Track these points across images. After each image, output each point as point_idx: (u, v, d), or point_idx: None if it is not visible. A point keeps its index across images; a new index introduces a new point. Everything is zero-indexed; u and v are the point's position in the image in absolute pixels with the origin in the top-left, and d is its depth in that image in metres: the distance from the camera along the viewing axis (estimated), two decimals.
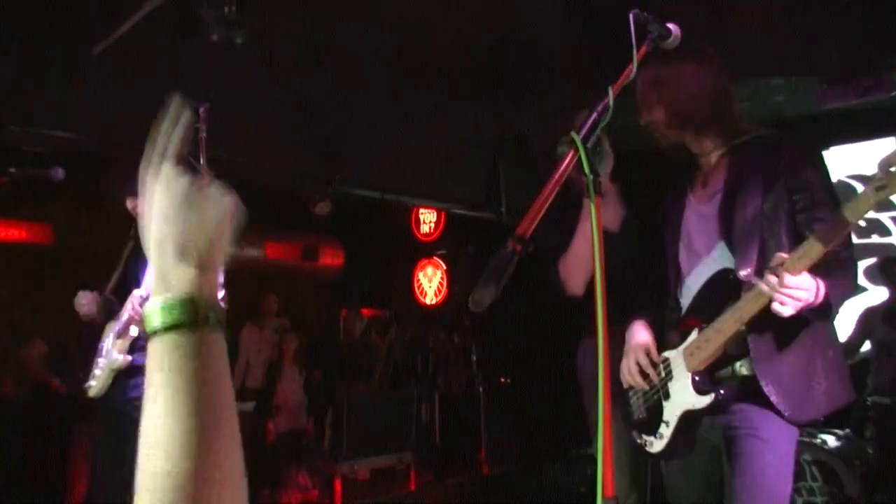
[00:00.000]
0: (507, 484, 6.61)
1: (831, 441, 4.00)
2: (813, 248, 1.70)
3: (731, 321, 1.88)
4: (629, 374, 2.14)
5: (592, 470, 2.54)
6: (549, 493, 5.72)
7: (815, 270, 1.84)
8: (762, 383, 1.88)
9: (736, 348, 1.95)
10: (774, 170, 1.95)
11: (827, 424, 4.17)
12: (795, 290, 1.70)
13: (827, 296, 1.77)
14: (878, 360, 4.54)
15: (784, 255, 1.73)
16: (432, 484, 6.69)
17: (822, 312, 1.81)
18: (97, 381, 3.00)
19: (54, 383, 4.80)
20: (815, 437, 3.98)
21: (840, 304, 1.88)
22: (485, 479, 7.00)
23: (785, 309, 1.74)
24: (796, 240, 1.91)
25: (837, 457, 3.83)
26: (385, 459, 6.20)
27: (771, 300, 1.75)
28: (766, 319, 1.89)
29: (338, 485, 5.82)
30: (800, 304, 1.73)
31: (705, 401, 1.94)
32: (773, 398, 1.87)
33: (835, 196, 1.93)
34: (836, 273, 1.84)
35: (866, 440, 4.26)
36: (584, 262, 2.38)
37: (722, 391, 1.93)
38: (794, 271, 1.70)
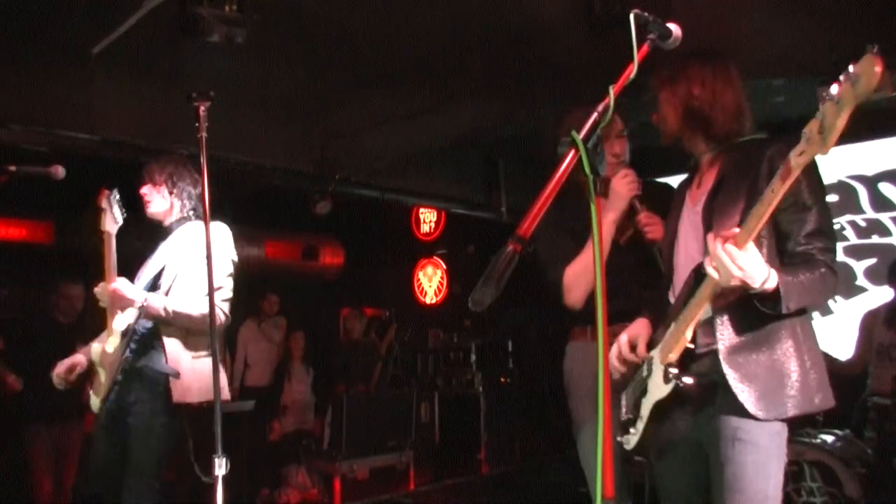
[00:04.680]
0: (507, 484, 6.61)
1: (831, 442, 4.01)
2: (755, 214, 1.71)
3: (692, 308, 1.90)
4: (612, 361, 2.18)
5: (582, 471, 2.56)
6: (548, 493, 5.72)
7: (779, 265, 1.85)
8: (728, 375, 1.88)
9: (704, 340, 1.95)
10: (759, 170, 1.95)
11: (827, 425, 4.17)
12: (729, 257, 1.71)
13: (778, 287, 1.77)
14: (878, 362, 4.54)
15: (736, 230, 1.75)
16: (431, 484, 6.69)
17: (771, 303, 1.80)
18: (92, 396, 3.03)
19: (10, 379, 4.75)
20: (815, 438, 3.98)
21: (801, 303, 1.86)
22: (484, 479, 6.99)
23: (714, 272, 1.75)
24: (777, 240, 1.92)
25: (837, 457, 3.83)
26: (384, 459, 6.20)
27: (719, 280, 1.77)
28: (733, 312, 1.91)
29: (337, 484, 5.82)
30: (732, 273, 1.72)
31: (668, 389, 1.96)
32: (736, 391, 1.87)
33: (820, 196, 1.92)
34: (800, 270, 1.84)
35: (866, 441, 4.26)
36: (591, 275, 2.37)
37: (684, 380, 1.94)
38: (741, 244, 1.71)
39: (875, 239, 5.42)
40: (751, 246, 1.72)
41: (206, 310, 2.94)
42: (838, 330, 5.09)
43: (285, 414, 6.83)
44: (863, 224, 5.45)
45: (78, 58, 4.22)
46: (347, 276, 9.24)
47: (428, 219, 8.99)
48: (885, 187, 5.39)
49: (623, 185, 2.39)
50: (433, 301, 9.01)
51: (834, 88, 1.48)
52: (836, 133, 1.50)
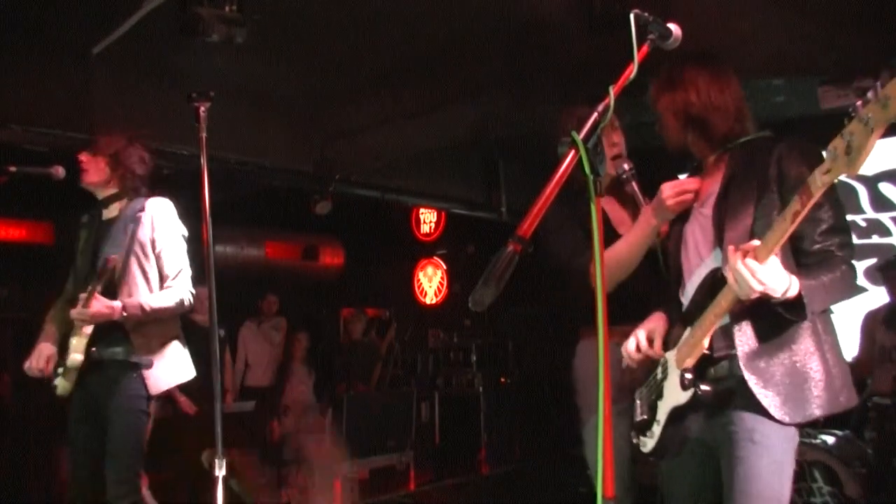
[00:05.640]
0: (507, 484, 6.61)
1: (831, 442, 4.00)
2: (777, 229, 1.69)
3: (710, 316, 1.88)
4: (625, 353, 2.16)
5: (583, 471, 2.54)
6: (548, 493, 5.72)
7: (797, 267, 1.84)
8: (749, 381, 1.87)
9: (722, 345, 1.94)
10: (767, 170, 1.95)
11: (827, 425, 4.17)
12: (750, 272, 1.68)
13: (800, 293, 1.75)
14: (879, 363, 4.54)
15: (756, 243, 1.73)
16: (432, 484, 6.69)
17: (795, 310, 1.78)
18: (60, 381, 3.01)
19: (182, 401, 4.81)
20: (816, 438, 3.98)
21: (825, 305, 1.85)
22: (484, 479, 6.99)
23: (734, 285, 1.73)
24: (792, 240, 1.90)
25: (837, 457, 3.83)
26: (385, 459, 6.20)
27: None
28: (751, 317, 1.89)
29: (337, 484, 5.82)
30: (754, 288, 1.70)
31: (686, 396, 1.94)
32: (759, 397, 1.86)
33: (832, 193, 1.89)
34: (821, 271, 1.83)
35: (866, 441, 4.26)
36: (623, 263, 2.34)
37: (703, 387, 1.93)
38: (761, 258, 1.69)
39: (875, 239, 5.42)
40: (772, 259, 1.70)
41: (177, 297, 3.01)
42: (838, 329, 5.09)
43: (286, 414, 6.83)
44: (863, 224, 5.46)
45: (78, 58, 4.21)
46: (347, 276, 9.24)
47: (428, 219, 8.98)
48: (885, 187, 5.39)
49: (674, 201, 2.16)
50: (433, 301, 9.01)
51: (862, 107, 1.43)
52: (864, 155, 1.45)
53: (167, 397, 5.03)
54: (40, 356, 3.05)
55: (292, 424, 6.83)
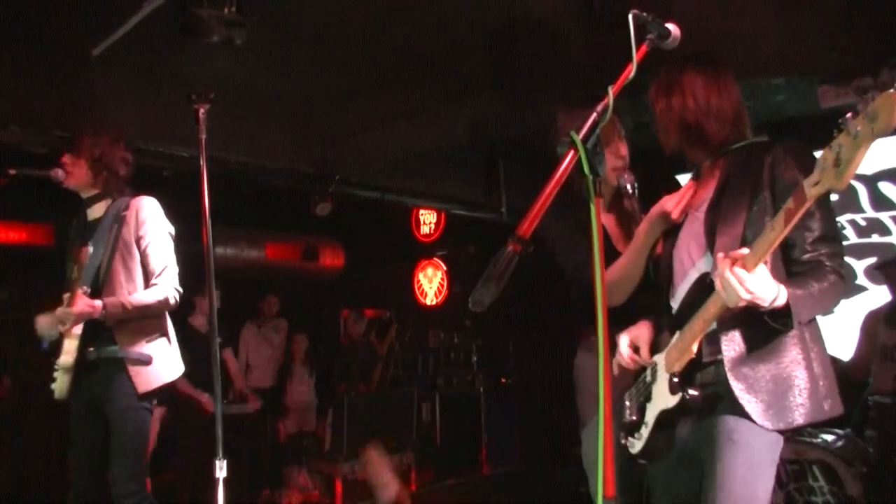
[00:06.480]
0: (507, 484, 6.61)
1: (832, 440, 4.00)
2: (765, 238, 1.69)
3: (699, 321, 1.88)
4: (615, 366, 2.16)
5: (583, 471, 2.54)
6: (548, 493, 5.72)
7: (785, 276, 1.84)
8: (734, 388, 1.87)
9: (709, 351, 1.94)
10: (761, 175, 1.94)
11: (828, 424, 4.16)
12: (738, 280, 1.68)
13: (788, 303, 1.75)
14: (880, 362, 4.53)
15: (745, 251, 1.72)
16: (433, 484, 6.69)
17: (782, 319, 1.78)
18: (57, 384, 3.01)
19: (204, 399, 4.84)
20: (816, 437, 3.98)
21: (813, 314, 1.85)
22: (485, 480, 6.99)
23: (722, 293, 1.73)
24: (782, 248, 1.90)
25: (838, 456, 3.82)
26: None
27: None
28: (739, 323, 1.89)
29: (338, 485, 5.82)
30: (741, 296, 1.70)
31: (675, 400, 1.95)
32: (743, 403, 1.86)
33: (824, 201, 1.88)
34: (810, 281, 1.82)
35: (867, 440, 4.25)
36: (627, 273, 2.34)
37: (691, 392, 1.93)
38: (749, 266, 1.69)
39: (875, 238, 5.41)
40: (760, 268, 1.70)
41: (161, 295, 3.00)
42: (838, 329, 5.09)
43: (287, 415, 6.84)
44: (863, 223, 5.45)
45: (78, 59, 4.22)
46: (347, 277, 9.24)
47: (428, 220, 8.98)
48: (884, 186, 5.39)
49: (678, 211, 2.15)
50: (433, 302, 9.01)
51: (851, 120, 1.42)
52: (852, 169, 1.44)
53: (185, 398, 5.07)
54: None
55: (293, 425, 6.85)
